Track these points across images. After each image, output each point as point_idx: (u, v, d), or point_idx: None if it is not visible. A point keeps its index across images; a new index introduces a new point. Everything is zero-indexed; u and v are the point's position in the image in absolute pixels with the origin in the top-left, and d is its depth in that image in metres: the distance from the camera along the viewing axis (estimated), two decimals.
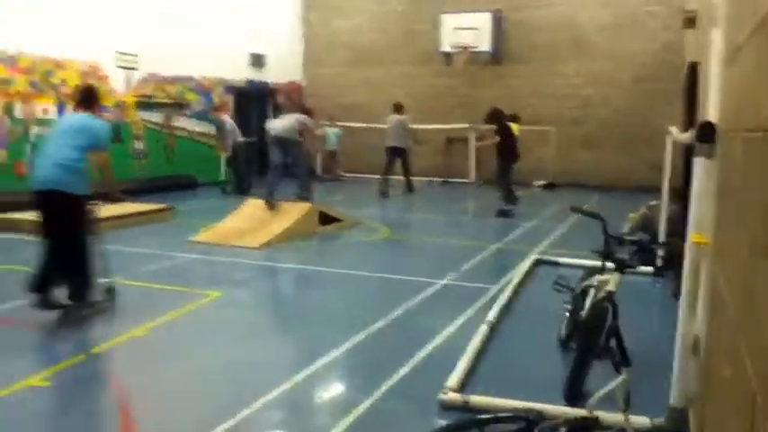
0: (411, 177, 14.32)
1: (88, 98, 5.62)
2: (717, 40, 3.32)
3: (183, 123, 15.26)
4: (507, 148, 11.46)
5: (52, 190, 5.13)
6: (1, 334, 5.06)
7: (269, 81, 17.81)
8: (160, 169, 14.48)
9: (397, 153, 14.06)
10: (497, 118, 11.49)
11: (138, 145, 14.05)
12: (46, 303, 5.20)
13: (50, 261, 5.24)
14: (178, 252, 7.89)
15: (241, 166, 14.01)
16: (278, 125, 10.08)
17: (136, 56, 13.63)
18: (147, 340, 4.89)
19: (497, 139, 11.34)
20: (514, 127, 12.10)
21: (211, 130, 15.85)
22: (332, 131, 17.56)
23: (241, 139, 14.06)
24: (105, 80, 13.09)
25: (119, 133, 13.49)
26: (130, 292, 6.28)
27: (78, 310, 5.29)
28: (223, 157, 14.72)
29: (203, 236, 8.76)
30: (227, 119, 14.34)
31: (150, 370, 4.36)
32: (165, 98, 14.67)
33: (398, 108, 14.38)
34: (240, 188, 13.56)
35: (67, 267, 5.27)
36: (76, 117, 5.54)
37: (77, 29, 12.30)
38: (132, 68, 13.68)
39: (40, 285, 5.18)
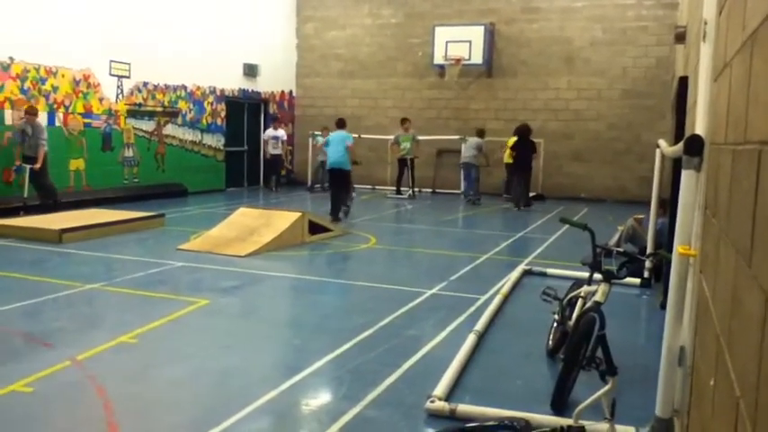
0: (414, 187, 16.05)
1: None
2: (705, 55, 3.36)
3: (175, 132, 15.24)
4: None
5: None
6: None
7: (261, 91, 17.84)
8: (151, 177, 14.44)
9: (405, 163, 16.07)
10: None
11: (129, 153, 14.01)
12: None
13: None
14: (167, 260, 7.86)
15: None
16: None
17: (128, 64, 13.63)
18: (133, 347, 4.86)
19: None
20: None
21: (202, 138, 15.89)
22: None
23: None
24: (97, 88, 13.07)
25: (110, 141, 13.47)
26: (118, 298, 6.25)
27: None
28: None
29: (192, 244, 8.73)
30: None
31: (136, 377, 4.33)
32: (156, 107, 14.66)
33: (403, 122, 16.18)
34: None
35: None
36: None
37: (70, 37, 12.30)
38: (124, 77, 13.67)
39: None
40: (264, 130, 17.80)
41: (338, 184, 11.68)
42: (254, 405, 3.83)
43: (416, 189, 16.19)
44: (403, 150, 15.99)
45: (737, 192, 1.87)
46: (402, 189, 16.24)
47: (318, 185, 17.18)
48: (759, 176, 1.48)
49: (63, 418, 3.77)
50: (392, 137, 16.59)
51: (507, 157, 15.01)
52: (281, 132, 17.22)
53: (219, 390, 4.19)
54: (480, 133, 15.60)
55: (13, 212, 10.38)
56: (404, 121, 16.16)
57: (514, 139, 14.39)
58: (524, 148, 14.11)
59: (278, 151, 17.11)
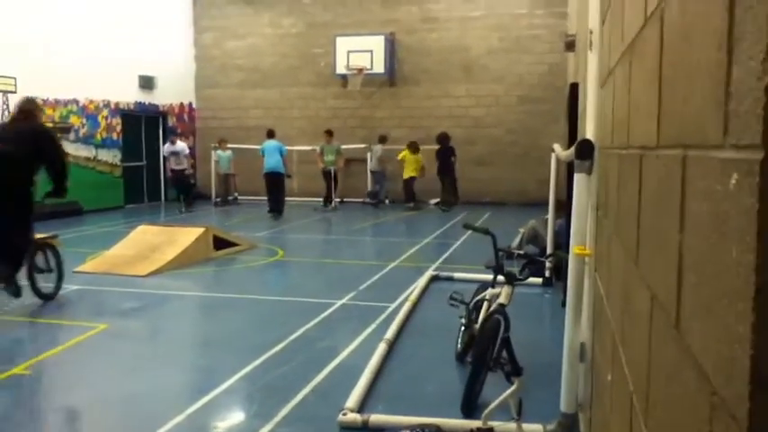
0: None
1: None
2: (593, 63, 3.51)
3: (67, 148, 14.49)
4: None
5: None
6: None
7: (159, 104, 17.30)
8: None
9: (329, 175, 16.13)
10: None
11: None
12: None
13: None
14: (62, 283, 7.44)
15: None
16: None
17: (14, 78, 12.89)
18: (27, 379, 4.57)
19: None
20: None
21: (97, 154, 15.23)
22: (224, 155, 17.08)
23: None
24: None
25: None
26: (8, 327, 5.87)
27: None
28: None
29: (89, 265, 8.34)
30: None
31: (31, 411, 4.08)
32: (47, 122, 13.91)
33: (327, 133, 16.12)
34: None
35: None
36: None
37: None
38: (10, 92, 12.91)
39: None
40: (164, 143, 17.25)
41: (275, 185, 14.02)
42: (164, 429, 3.68)
43: (337, 200, 16.19)
44: (327, 162, 15.91)
45: (624, 194, 1.96)
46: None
47: (219, 199, 16.83)
48: (641, 180, 1.55)
49: None
50: (311, 147, 16.59)
51: (408, 170, 15.86)
52: (181, 146, 15.65)
53: (124, 418, 4.01)
54: (382, 140, 16.26)
55: None
56: (327, 132, 16.04)
57: (407, 152, 15.73)
58: (445, 154, 15.60)
59: (181, 167, 15.55)
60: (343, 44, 17.02)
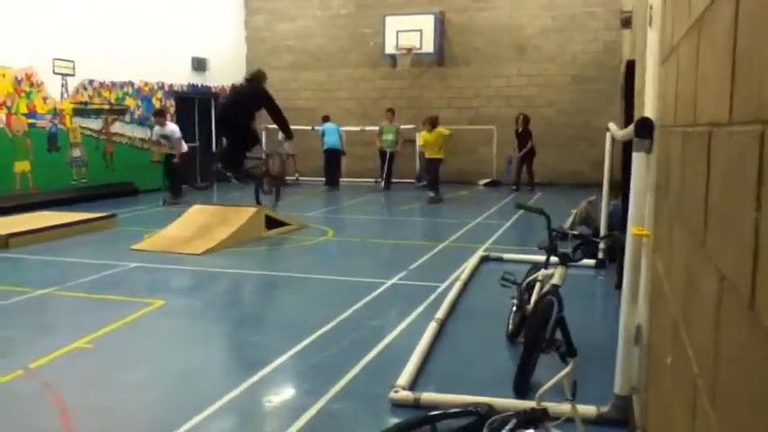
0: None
1: None
2: (653, 40, 3.41)
3: (123, 129, 14.88)
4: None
5: None
6: None
7: (211, 85, 17.54)
8: (99, 177, 14.08)
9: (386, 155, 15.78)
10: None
11: (77, 153, 13.64)
12: None
13: None
14: (120, 261, 7.68)
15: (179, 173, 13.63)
16: None
17: (72, 61, 13.25)
18: (89, 352, 4.74)
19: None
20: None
21: (151, 135, 15.54)
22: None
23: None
24: (41, 87, 12.67)
25: (56, 141, 13.09)
26: (71, 303, 6.10)
27: None
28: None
29: (146, 244, 8.56)
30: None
31: (94, 383, 4.22)
32: (103, 104, 14.30)
33: (388, 112, 15.98)
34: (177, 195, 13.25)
35: None
36: None
37: (11, 35, 11.88)
38: (69, 75, 13.28)
39: None
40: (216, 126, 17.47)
41: (334, 162, 16.05)
42: (217, 405, 3.78)
43: (374, 180, 16.14)
44: (385, 142, 15.65)
45: (689, 173, 1.91)
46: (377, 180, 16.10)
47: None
48: (710, 157, 1.50)
49: (19, 430, 3.66)
50: (359, 128, 16.58)
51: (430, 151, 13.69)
52: (170, 128, 13.12)
53: (180, 391, 4.12)
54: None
55: None
56: (390, 111, 15.81)
57: (423, 132, 13.60)
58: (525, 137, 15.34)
59: (174, 151, 13.21)
60: (393, 24, 16.92)
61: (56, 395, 3.96)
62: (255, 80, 9.62)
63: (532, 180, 15.47)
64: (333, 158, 16.04)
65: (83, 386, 4.17)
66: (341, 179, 16.33)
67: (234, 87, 11.38)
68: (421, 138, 13.88)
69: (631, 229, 3.36)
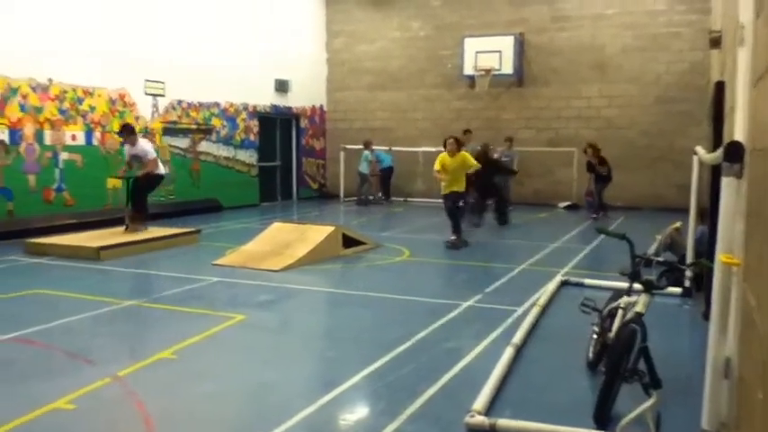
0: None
1: None
2: (743, 60, 3.30)
3: (209, 148, 15.45)
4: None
5: None
6: (27, 356, 5.11)
7: (293, 106, 18.02)
8: (186, 193, 14.65)
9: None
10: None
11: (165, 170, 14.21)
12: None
13: None
14: (203, 275, 7.94)
15: None
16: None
17: (163, 83, 13.90)
18: (172, 363, 4.91)
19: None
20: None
21: (236, 154, 16.07)
22: (367, 154, 17.07)
23: None
24: (133, 107, 13.33)
25: None
26: (156, 314, 6.34)
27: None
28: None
29: (227, 259, 8.82)
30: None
31: (176, 393, 4.37)
32: (191, 124, 14.90)
33: (465, 133, 14.90)
34: None
35: None
36: None
37: (106, 57, 12.57)
38: (159, 95, 13.93)
39: None
40: (296, 145, 17.98)
41: (388, 178, 17.84)
42: (292, 421, 3.84)
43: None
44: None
45: None
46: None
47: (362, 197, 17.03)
48: None
49: None
50: (435, 149, 16.25)
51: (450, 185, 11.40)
52: (142, 147, 10.46)
53: (257, 405, 4.21)
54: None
55: (52, 231, 10.58)
56: (466, 131, 15.00)
57: (444, 156, 10.59)
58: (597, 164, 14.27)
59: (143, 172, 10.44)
60: (472, 45, 16.94)
61: (140, 403, 4.12)
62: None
63: (604, 205, 14.63)
64: (388, 176, 17.81)
65: (166, 395, 4.32)
66: (413, 200, 17.38)
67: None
68: (438, 162, 10.39)
69: (720, 256, 3.23)
